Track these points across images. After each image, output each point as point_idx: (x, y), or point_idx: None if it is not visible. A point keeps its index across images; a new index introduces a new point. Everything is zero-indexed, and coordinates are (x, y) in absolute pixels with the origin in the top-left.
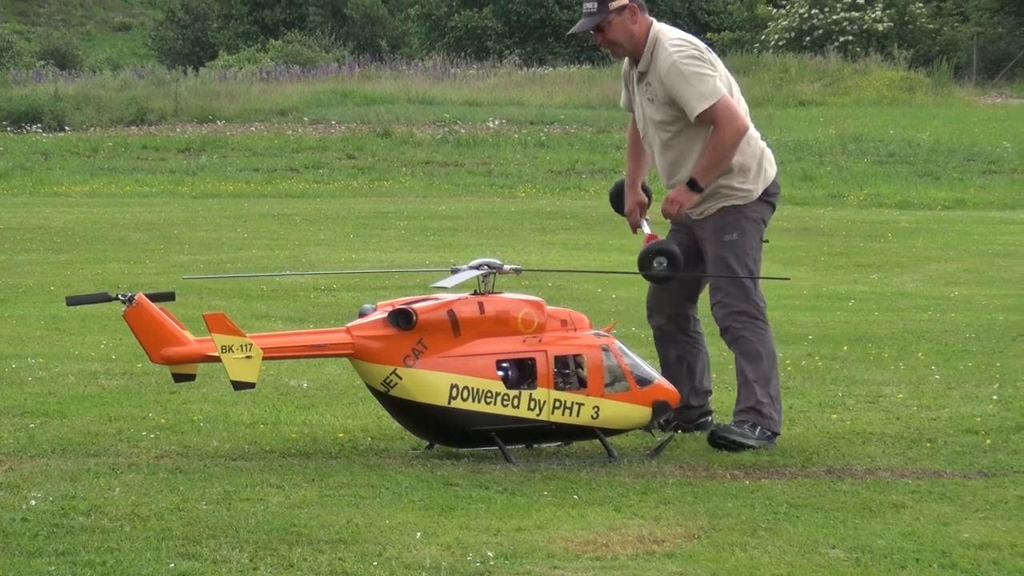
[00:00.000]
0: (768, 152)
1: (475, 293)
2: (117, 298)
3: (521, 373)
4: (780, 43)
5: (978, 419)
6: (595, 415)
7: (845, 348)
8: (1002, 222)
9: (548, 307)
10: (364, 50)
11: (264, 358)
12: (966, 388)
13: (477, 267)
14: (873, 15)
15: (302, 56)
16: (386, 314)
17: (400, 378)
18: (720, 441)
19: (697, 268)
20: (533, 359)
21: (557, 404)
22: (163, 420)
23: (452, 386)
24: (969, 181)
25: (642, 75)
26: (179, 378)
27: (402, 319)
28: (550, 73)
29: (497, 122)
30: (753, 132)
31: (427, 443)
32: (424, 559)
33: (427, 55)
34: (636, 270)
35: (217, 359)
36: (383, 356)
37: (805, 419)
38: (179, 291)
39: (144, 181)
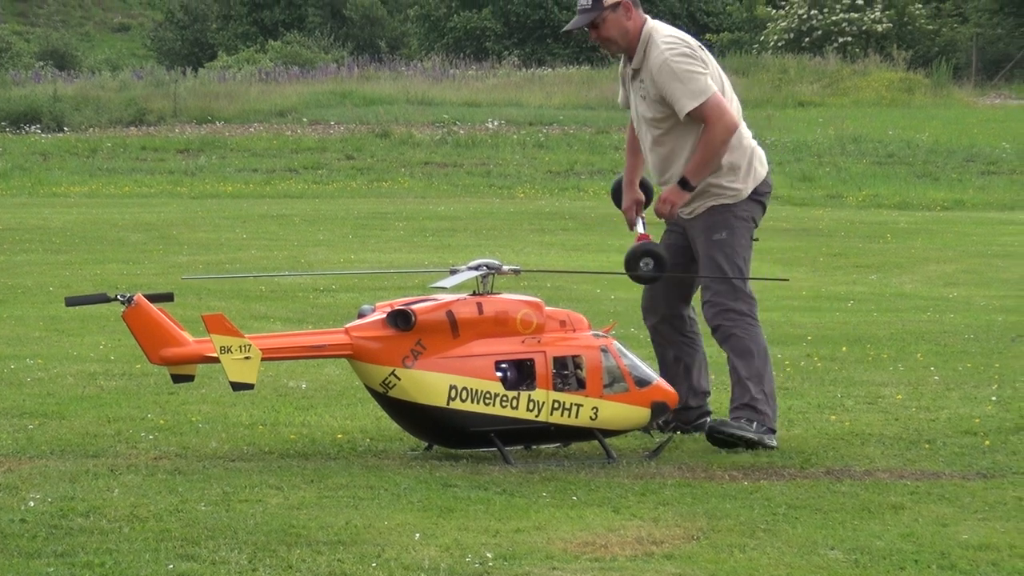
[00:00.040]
0: (759, 151)
1: (474, 294)
2: (116, 299)
3: (520, 374)
4: (779, 44)
5: (977, 420)
6: (594, 416)
7: (844, 349)
8: (1001, 223)
9: (547, 308)
10: (363, 51)
11: (263, 359)
12: (965, 389)
13: (476, 268)
14: (872, 16)
15: (301, 57)
16: (385, 315)
17: (399, 379)
18: (718, 436)
19: (691, 268)
20: (532, 360)
21: (556, 405)
22: (162, 421)
23: (451, 387)
24: (968, 182)
25: (636, 72)
26: (178, 379)
27: (401, 320)
28: (549, 74)
29: (496, 123)
30: (744, 131)
31: (426, 444)
32: (423, 560)
33: (426, 56)
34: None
35: (216, 360)
36: (382, 357)
37: (804, 420)
38: (178, 292)
39: (143, 182)
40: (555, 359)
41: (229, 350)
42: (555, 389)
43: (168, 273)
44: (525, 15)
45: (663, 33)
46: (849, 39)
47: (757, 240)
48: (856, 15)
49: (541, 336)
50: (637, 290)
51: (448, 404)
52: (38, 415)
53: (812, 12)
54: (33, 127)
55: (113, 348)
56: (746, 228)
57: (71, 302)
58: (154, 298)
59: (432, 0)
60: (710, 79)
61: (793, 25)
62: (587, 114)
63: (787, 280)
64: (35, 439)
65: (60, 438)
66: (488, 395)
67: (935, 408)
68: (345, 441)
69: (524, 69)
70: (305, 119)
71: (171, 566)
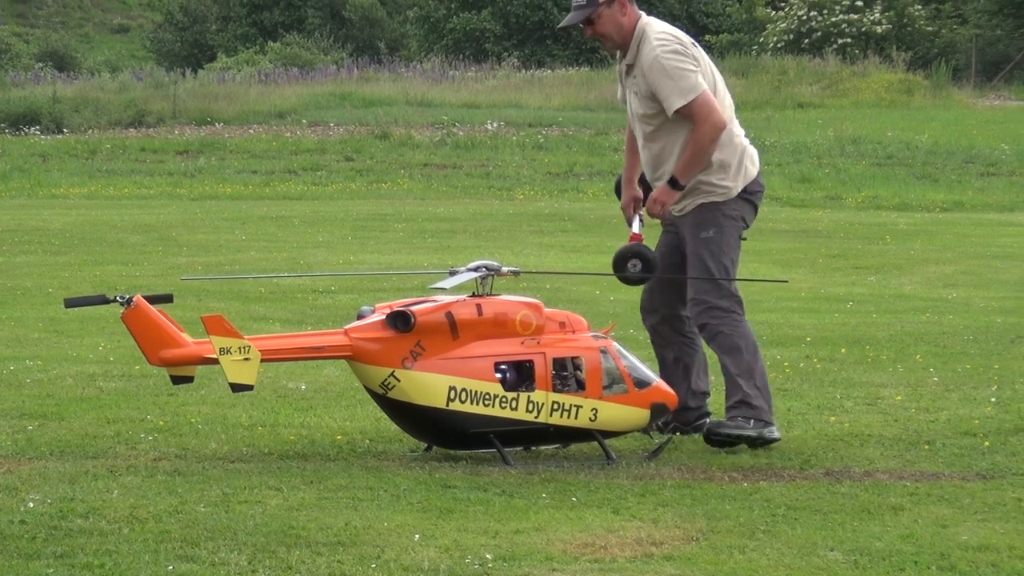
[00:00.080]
0: (751, 150)
1: (473, 295)
2: (115, 300)
3: (519, 375)
4: (779, 45)
5: (976, 421)
6: (593, 417)
7: (843, 350)
8: (1000, 224)
9: (546, 309)
10: (363, 52)
11: (262, 360)
12: (964, 390)
13: (475, 269)
14: (872, 17)
15: (300, 58)
16: (384, 316)
17: (398, 380)
18: (715, 437)
19: (686, 268)
20: (531, 361)
21: (555, 406)
22: (161, 422)
23: (450, 388)
24: (967, 183)
25: (629, 68)
26: (177, 380)
27: (400, 321)
28: (548, 75)
29: (495, 124)
30: (736, 129)
31: (425, 445)
32: (422, 561)
33: (425, 57)
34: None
35: (215, 361)
36: (381, 358)
37: (803, 421)
38: (177, 293)
39: (142, 183)
40: (554, 360)
41: (228, 351)
42: (554, 390)
43: (167, 274)
44: (525, 16)
45: (656, 29)
46: (848, 40)
47: (745, 239)
48: (855, 16)
49: (540, 337)
50: (636, 292)
51: (447, 405)
52: (37, 416)
53: (811, 13)
54: (32, 128)
55: (112, 349)
56: (734, 227)
57: (70, 303)
58: (153, 299)
59: (432, 1)
60: (701, 77)
61: (792, 26)
62: (586, 116)
63: (786, 281)
64: (34, 440)
65: (59, 439)
66: (487, 396)
67: (934, 409)
68: (344, 442)
69: (523, 71)
70: (304, 121)
71: (171, 567)
